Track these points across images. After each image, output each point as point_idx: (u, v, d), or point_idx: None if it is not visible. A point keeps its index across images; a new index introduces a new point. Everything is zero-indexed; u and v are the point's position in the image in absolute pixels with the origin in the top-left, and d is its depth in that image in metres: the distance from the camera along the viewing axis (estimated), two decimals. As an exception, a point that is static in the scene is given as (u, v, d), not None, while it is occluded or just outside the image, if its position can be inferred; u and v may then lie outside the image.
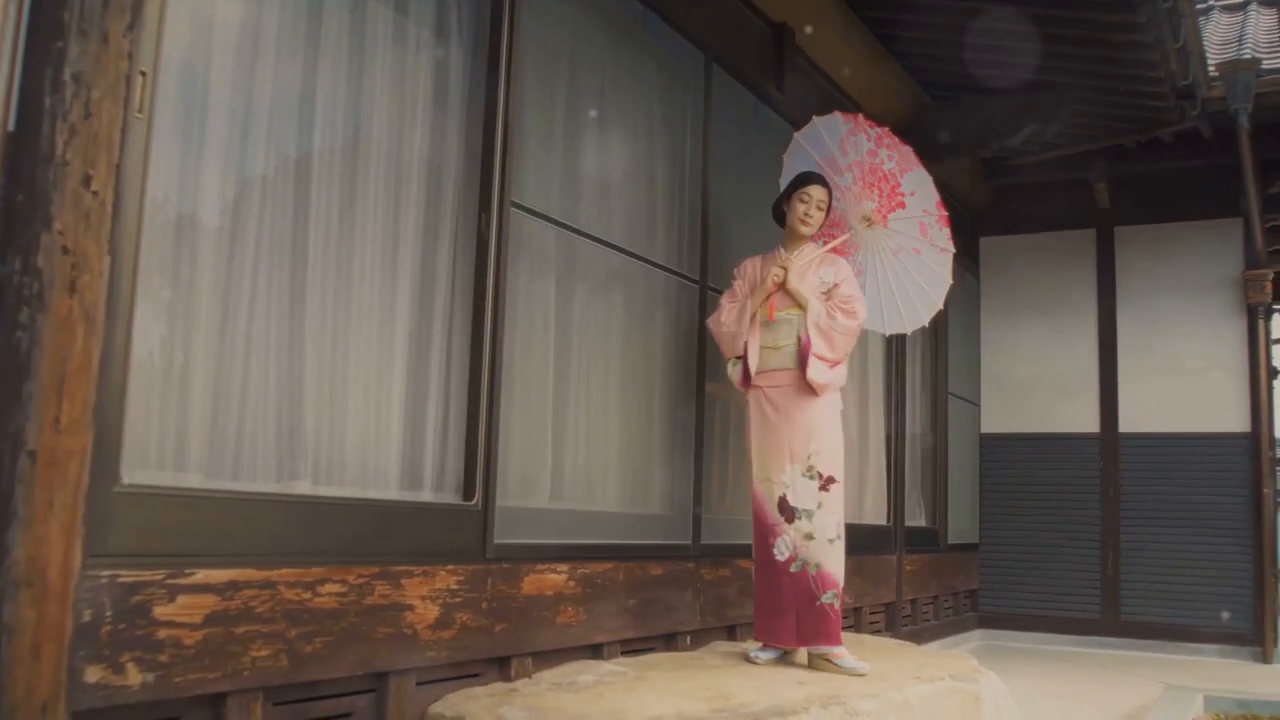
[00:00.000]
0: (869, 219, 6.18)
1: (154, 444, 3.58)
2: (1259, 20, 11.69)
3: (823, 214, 5.94)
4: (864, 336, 6.73)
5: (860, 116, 6.29)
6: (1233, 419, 11.11)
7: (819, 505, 5.63)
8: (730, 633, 6.68)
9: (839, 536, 5.64)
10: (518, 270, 5.09)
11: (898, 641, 7.39)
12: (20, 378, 2.82)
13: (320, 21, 4.27)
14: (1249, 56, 9.60)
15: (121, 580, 3.19)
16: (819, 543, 5.61)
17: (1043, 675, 9.31)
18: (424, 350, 4.70)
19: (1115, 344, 11.72)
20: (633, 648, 5.75)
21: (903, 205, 6.22)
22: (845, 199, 6.25)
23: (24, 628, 2.79)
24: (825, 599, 5.59)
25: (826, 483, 5.65)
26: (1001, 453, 12.15)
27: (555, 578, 5.10)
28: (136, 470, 3.41)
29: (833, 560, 5.62)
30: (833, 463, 5.68)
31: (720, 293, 6.58)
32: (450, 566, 4.47)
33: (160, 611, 3.30)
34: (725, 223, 6.86)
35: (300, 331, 4.14)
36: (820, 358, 5.68)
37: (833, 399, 5.76)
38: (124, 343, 3.28)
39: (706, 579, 6.34)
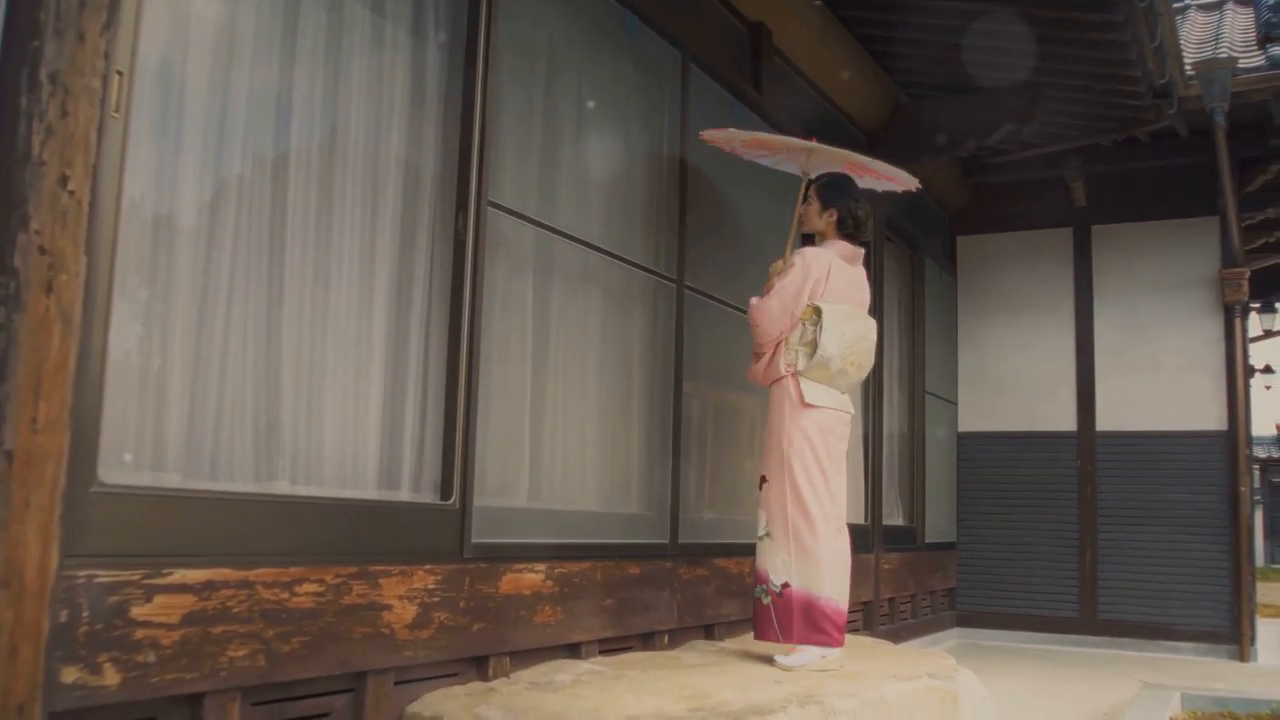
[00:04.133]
0: (807, 148, 6.24)
1: (131, 444, 3.56)
2: (1235, 19, 11.74)
3: (805, 206, 6.14)
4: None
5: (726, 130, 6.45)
6: (1210, 417, 11.17)
7: (758, 503, 5.84)
8: (708, 632, 6.69)
9: (767, 534, 5.73)
10: (495, 270, 5.09)
11: (875, 640, 7.41)
12: (-4, 378, 2.82)
13: (297, 21, 4.27)
14: (1225, 55, 9.64)
15: (98, 580, 3.18)
16: (758, 540, 5.79)
17: (1020, 673, 9.34)
18: (401, 350, 4.70)
19: (1092, 342, 11.76)
20: (610, 647, 5.75)
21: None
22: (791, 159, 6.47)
23: (0, 628, 2.79)
24: (756, 593, 5.78)
25: (760, 481, 5.83)
26: (979, 451, 12.19)
27: (533, 577, 5.10)
28: (114, 470, 3.39)
29: (761, 556, 5.76)
30: (766, 460, 5.83)
31: (698, 291, 6.62)
32: (428, 566, 4.47)
33: (137, 612, 3.29)
34: (703, 222, 6.86)
35: (278, 331, 4.13)
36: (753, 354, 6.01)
37: (777, 395, 5.84)
38: (101, 342, 3.26)
39: (684, 578, 6.35)
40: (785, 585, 5.64)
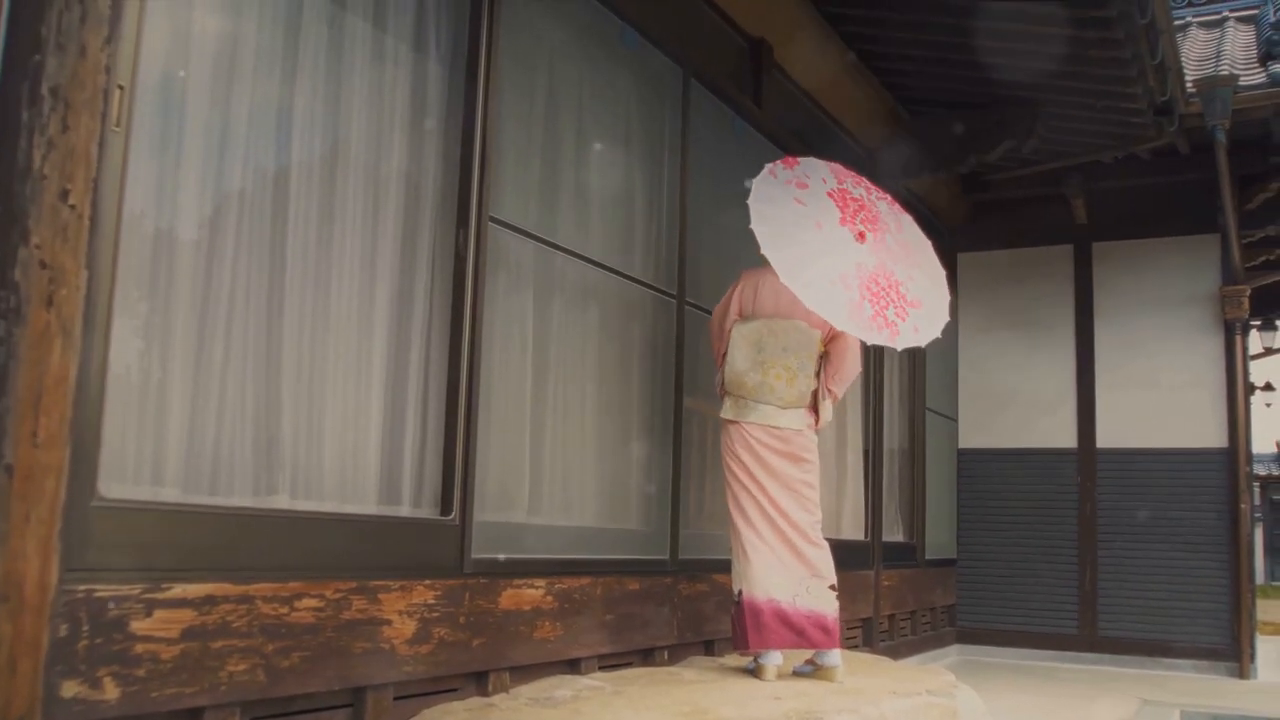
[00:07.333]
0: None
1: (131, 458, 3.56)
2: (1236, 36, 11.74)
3: None
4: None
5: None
6: (1210, 434, 11.16)
7: None
8: (708, 648, 6.68)
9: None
10: (496, 285, 5.09)
11: (875, 657, 7.39)
12: (-3, 392, 2.81)
13: (298, 35, 4.27)
14: (1227, 73, 9.64)
15: (98, 595, 3.17)
16: None
17: (1020, 690, 9.33)
18: (402, 365, 4.70)
19: (1093, 359, 11.76)
20: (610, 663, 5.74)
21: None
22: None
23: (0, 642, 2.79)
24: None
25: None
26: (979, 468, 12.18)
27: (533, 593, 5.10)
28: (114, 484, 3.39)
29: None
30: None
31: (698, 307, 6.62)
32: (428, 581, 4.46)
33: (137, 626, 3.29)
34: (703, 237, 6.86)
35: (278, 346, 4.13)
36: None
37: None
38: (101, 357, 3.26)
39: (684, 594, 6.34)
40: (740, 593, 5.70)
